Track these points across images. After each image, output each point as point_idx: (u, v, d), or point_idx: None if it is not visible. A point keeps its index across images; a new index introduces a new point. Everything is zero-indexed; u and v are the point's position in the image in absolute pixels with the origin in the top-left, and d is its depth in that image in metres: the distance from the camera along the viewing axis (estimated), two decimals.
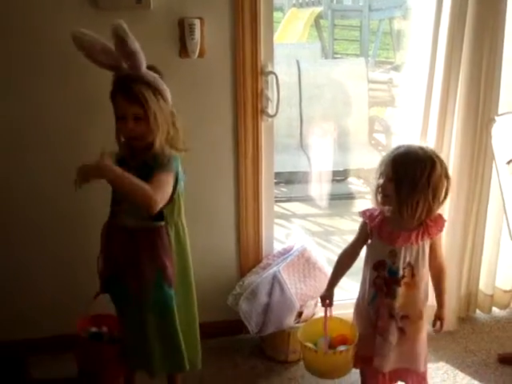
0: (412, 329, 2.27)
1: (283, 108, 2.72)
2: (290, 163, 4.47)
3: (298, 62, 4.66)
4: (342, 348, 2.39)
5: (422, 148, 2.17)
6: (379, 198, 2.21)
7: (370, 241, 2.30)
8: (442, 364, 2.79)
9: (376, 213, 2.27)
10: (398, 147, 2.20)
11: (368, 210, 2.30)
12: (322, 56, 6.78)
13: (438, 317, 2.32)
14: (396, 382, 2.40)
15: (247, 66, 2.55)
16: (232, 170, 2.71)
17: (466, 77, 2.65)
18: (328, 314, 2.42)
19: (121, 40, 1.93)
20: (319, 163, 4.58)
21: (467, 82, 2.65)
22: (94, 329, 2.50)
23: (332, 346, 2.45)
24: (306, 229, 4.17)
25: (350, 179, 5.04)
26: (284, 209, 4.58)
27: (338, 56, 8.32)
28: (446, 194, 2.18)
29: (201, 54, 2.48)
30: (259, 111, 2.63)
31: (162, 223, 2.12)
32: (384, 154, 2.34)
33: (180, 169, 2.13)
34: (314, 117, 4.71)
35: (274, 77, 2.61)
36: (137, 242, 2.11)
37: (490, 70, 2.65)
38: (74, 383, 2.59)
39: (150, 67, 2.06)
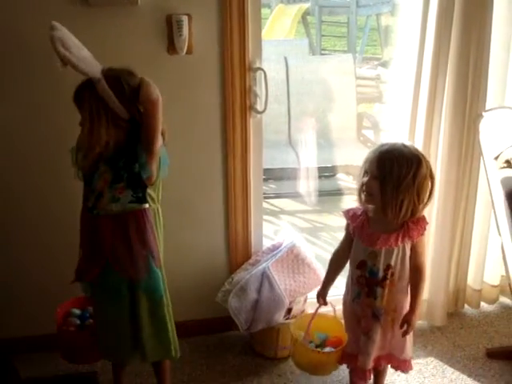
0: (387, 320, 2.27)
1: (271, 104, 2.72)
2: (278, 160, 4.46)
3: (285, 58, 4.66)
4: (327, 349, 2.43)
5: (406, 146, 2.15)
6: (363, 196, 2.19)
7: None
8: (431, 359, 2.80)
9: (359, 212, 2.25)
10: (383, 145, 2.18)
11: (351, 209, 2.29)
12: (309, 52, 6.79)
13: (406, 320, 2.24)
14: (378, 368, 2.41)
15: (235, 63, 2.55)
16: (221, 167, 2.70)
17: (453, 72, 2.65)
18: (333, 313, 2.45)
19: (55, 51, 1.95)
20: (308, 159, 4.58)
21: (455, 77, 2.66)
22: (77, 310, 2.47)
23: (325, 345, 2.48)
24: (294, 225, 4.19)
25: (338, 175, 5.03)
26: (273, 205, 4.59)
27: (326, 52, 8.34)
28: (431, 194, 2.17)
29: (189, 51, 2.47)
30: (248, 107, 2.62)
31: (147, 205, 2.13)
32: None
33: (163, 153, 2.13)
34: (302, 113, 4.71)
35: (262, 73, 2.61)
36: (125, 226, 2.11)
37: (478, 65, 2.66)
38: (71, 380, 2.60)
39: (109, 72, 2.04)
